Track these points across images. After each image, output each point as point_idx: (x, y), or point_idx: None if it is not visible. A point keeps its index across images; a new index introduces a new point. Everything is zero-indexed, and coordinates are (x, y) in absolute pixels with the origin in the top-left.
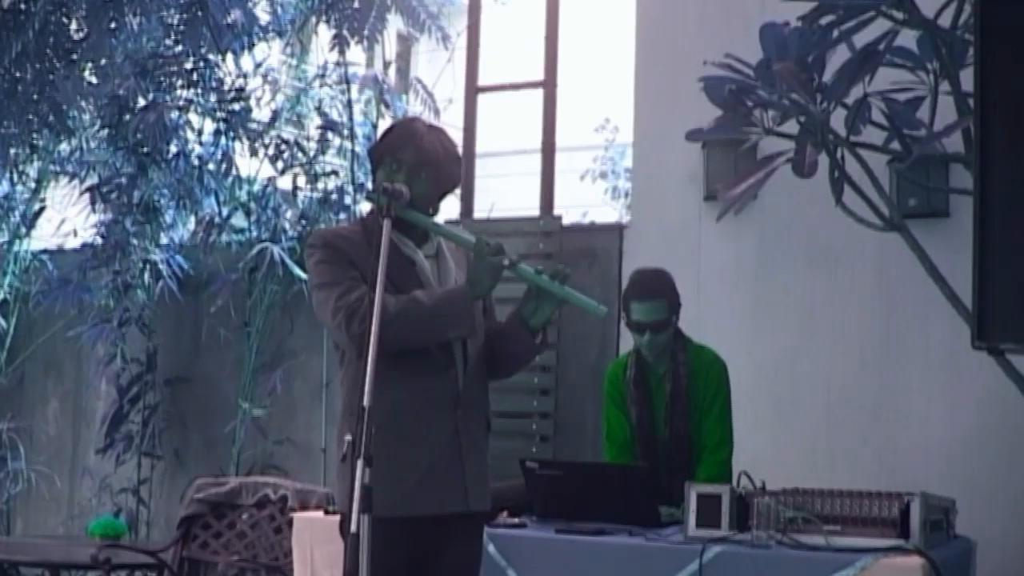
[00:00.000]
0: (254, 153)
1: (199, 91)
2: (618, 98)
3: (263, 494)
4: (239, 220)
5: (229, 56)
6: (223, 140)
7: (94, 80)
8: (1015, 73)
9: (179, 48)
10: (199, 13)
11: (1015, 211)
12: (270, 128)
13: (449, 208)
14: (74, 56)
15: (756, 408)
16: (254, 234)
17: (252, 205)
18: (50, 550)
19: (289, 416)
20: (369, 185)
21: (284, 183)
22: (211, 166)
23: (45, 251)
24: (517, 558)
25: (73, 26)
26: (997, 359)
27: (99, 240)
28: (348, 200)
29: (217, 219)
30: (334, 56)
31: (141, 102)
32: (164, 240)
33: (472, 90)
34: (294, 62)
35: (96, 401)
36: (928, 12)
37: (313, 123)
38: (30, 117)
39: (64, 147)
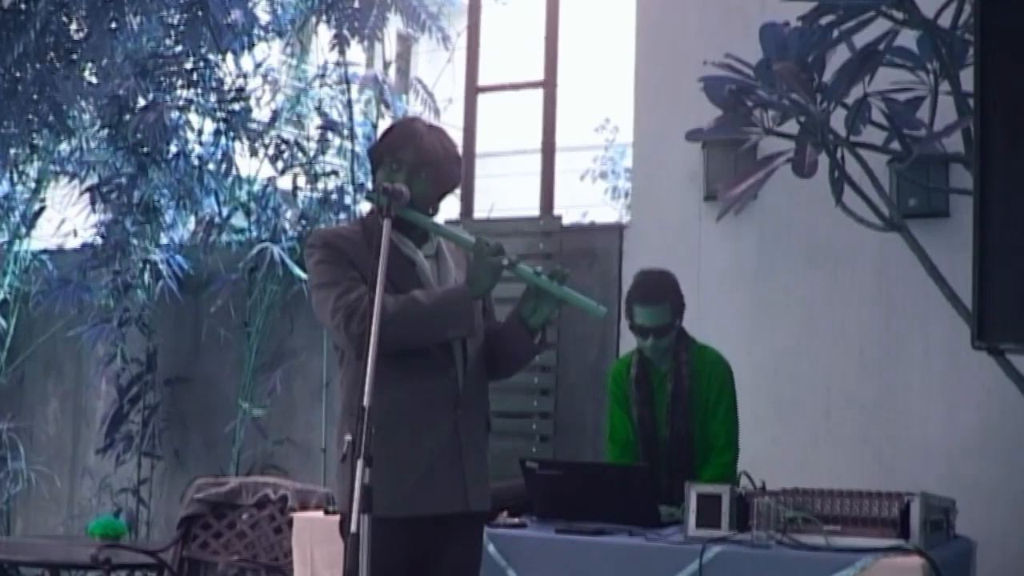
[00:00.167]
0: (254, 153)
1: (199, 91)
2: (618, 98)
3: (263, 494)
4: (239, 220)
5: (229, 56)
6: (223, 140)
7: (94, 80)
8: (1015, 73)
9: (179, 48)
10: (199, 13)
11: (1015, 211)
12: (270, 128)
13: (449, 208)
14: (74, 56)
15: (756, 408)
16: (254, 234)
17: (252, 205)
18: (50, 550)
19: (289, 416)
20: (369, 185)
21: (284, 183)
22: (211, 166)
23: (45, 251)
24: (517, 558)
25: (73, 26)
26: (997, 359)
27: (99, 240)
28: (348, 200)
29: (217, 219)
30: (334, 56)
31: (141, 102)
32: (164, 240)
33: (472, 90)
34: (294, 62)
35: (96, 401)
36: (928, 12)
37: (313, 123)
38: (30, 117)
39: (64, 147)
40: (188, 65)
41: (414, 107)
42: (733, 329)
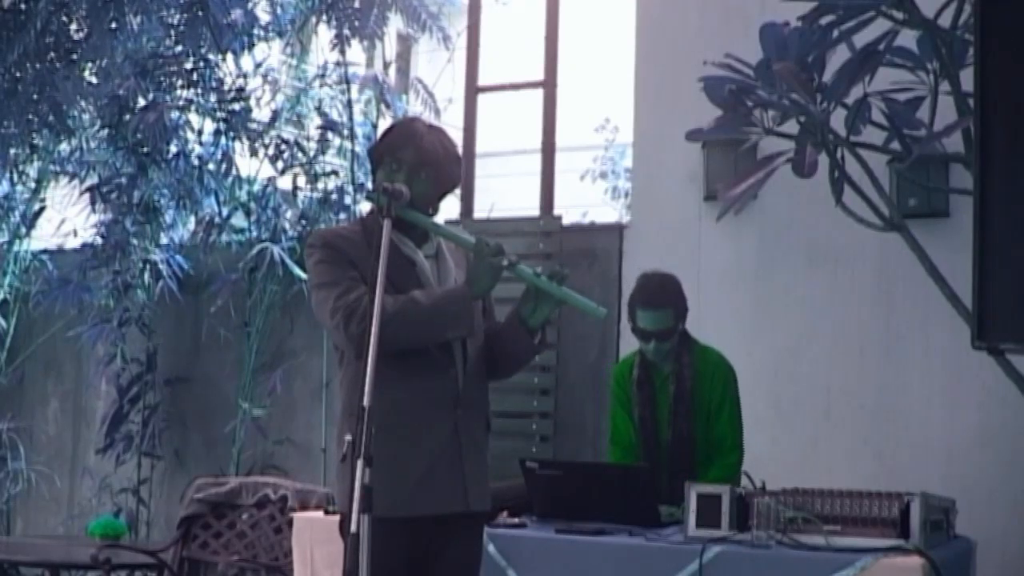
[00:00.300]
0: (254, 153)
1: (199, 91)
2: (618, 98)
3: (263, 494)
4: (239, 220)
5: (229, 56)
6: (223, 140)
7: (94, 80)
8: (1015, 73)
9: (179, 48)
10: (199, 13)
11: (1015, 211)
12: (270, 128)
13: (449, 208)
14: (74, 56)
15: (756, 408)
16: (254, 234)
17: (252, 205)
18: (50, 550)
19: (289, 416)
20: (369, 185)
21: (284, 183)
22: (211, 166)
23: (45, 251)
24: (517, 558)
25: (73, 26)
26: (997, 359)
27: (99, 240)
28: (348, 200)
29: (217, 219)
30: (334, 56)
31: (141, 102)
32: (164, 240)
33: (472, 90)
34: (294, 62)
35: (96, 401)
36: (928, 12)
37: (313, 123)
38: (30, 117)
39: (64, 147)
40: (188, 65)
41: (414, 107)
42: (733, 329)
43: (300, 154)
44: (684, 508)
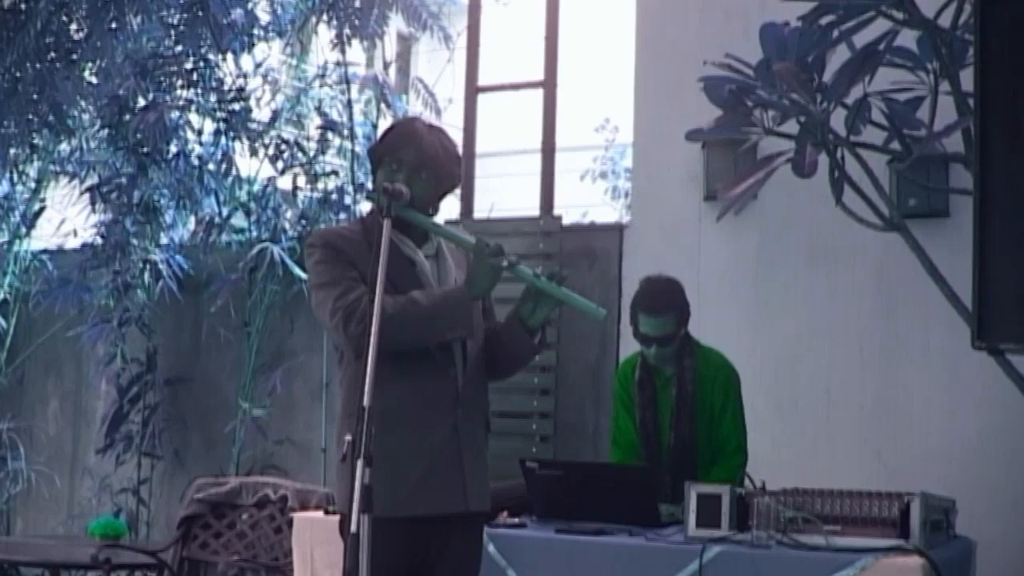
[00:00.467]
0: (254, 153)
1: (199, 91)
2: (618, 98)
3: (263, 494)
4: (239, 220)
5: (229, 56)
6: (223, 140)
7: (94, 80)
8: (1015, 73)
9: (179, 48)
10: (199, 13)
11: (1015, 211)
12: (270, 128)
13: (449, 208)
14: (74, 56)
15: (756, 408)
16: (254, 234)
17: (252, 205)
18: (50, 550)
19: (289, 416)
20: (369, 185)
21: (284, 183)
22: (211, 166)
23: (45, 251)
24: (517, 558)
25: (73, 26)
26: (997, 359)
27: (99, 240)
28: (348, 200)
29: (217, 219)
30: (334, 56)
31: (141, 102)
32: (164, 240)
33: (472, 90)
34: (294, 62)
35: (96, 401)
36: (928, 12)
37: (313, 123)
38: (30, 117)
39: (64, 147)
40: (188, 65)
41: (414, 107)
42: (733, 329)
43: (300, 154)
44: (684, 508)
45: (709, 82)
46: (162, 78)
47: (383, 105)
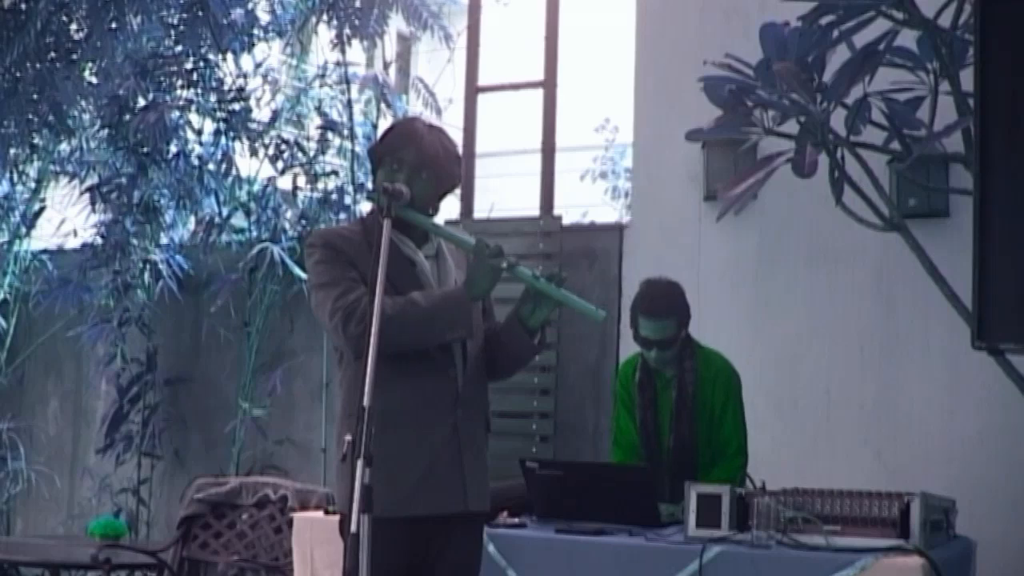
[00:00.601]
0: (254, 153)
1: (199, 91)
2: (618, 98)
3: (263, 494)
4: (239, 220)
5: (229, 56)
6: (223, 140)
7: (94, 80)
8: (1015, 73)
9: (179, 48)
10: (199, 13)
11: (1015, 211)
12: (270, 128)
13: (449, 208)
14: (74, 56)
15: (756, 408)
16: (254, 234)
17: (252, 205)
18: (50, 550)
19: (289, 416)
20: (369, 185)
21: (284, 183)
22: (211, 166)
23: (45, 251)
24: (517, 558)
25: (73, 26)
26: (997, 359)
27: (99, 240)
28: (348, 200)
29: (217, 219)
30: (334, 56)
31: (141, 102)
32: (164, 240)
33: (472, 90)
34: (294, 62)
35: (96, 401)
36: (928, 12)
37: (313, 123)
38: (30, 117)
39: (64, 147)
40: (188, 65)
41: (414, 107)
42: (733, 329)
43: (300, 154)
44: (684, 508)
45: (709, 82)
46: (162, 78)
47: (383, 105)
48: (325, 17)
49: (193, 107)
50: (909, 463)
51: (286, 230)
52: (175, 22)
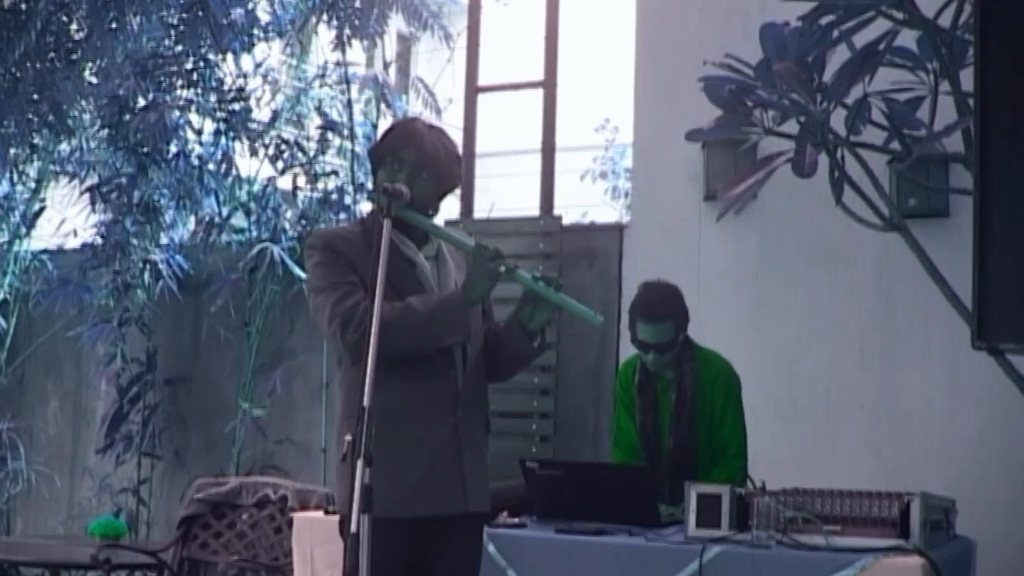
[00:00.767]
0: (254, 153)
1: (199, 91)
2: (618, 98)
3: (263, 494)
4: (239, 220)
5: (229, 56)
6: (223, 140)
7: (94, 80)
8: (1015, 73)
9: (179, 48)
10: (199, 13)
11: (1015, 211)
12: (270, 128)
13: (449, 208)
14: (74, 56)
15: (756, 408)
16: (254, 234)
17: (252, 205)
18: (50, 550)
19: (289, 416)
20: (369, 185)
21: (284, 183)
22: (211, 166)
23: (45, 251)
24: (517, 558)
25: (73, 26)
26: (997, 359)
27: (99, 240)
28: (348, 200)
29: (217, 219)
30: (334, 56)
31: (141, 102)
32: (164, 240)
33: (472, 90)
34: (294, 62)
35: (96, 401)
36: (928, 12)
37: (313, 123)
38: (30, 117)
39: (64, 147)
40: (188, 65)
41: (414, 107)
42: (733, 329)
43: (300, 154)
44: (684, 508)
45: (709, 82)
46: (162, 78)
47: (383, 105)
48: (325, 17)
49: (193, 107)
50: (909, 463)
51: (286, 230)
52: (175, 22)
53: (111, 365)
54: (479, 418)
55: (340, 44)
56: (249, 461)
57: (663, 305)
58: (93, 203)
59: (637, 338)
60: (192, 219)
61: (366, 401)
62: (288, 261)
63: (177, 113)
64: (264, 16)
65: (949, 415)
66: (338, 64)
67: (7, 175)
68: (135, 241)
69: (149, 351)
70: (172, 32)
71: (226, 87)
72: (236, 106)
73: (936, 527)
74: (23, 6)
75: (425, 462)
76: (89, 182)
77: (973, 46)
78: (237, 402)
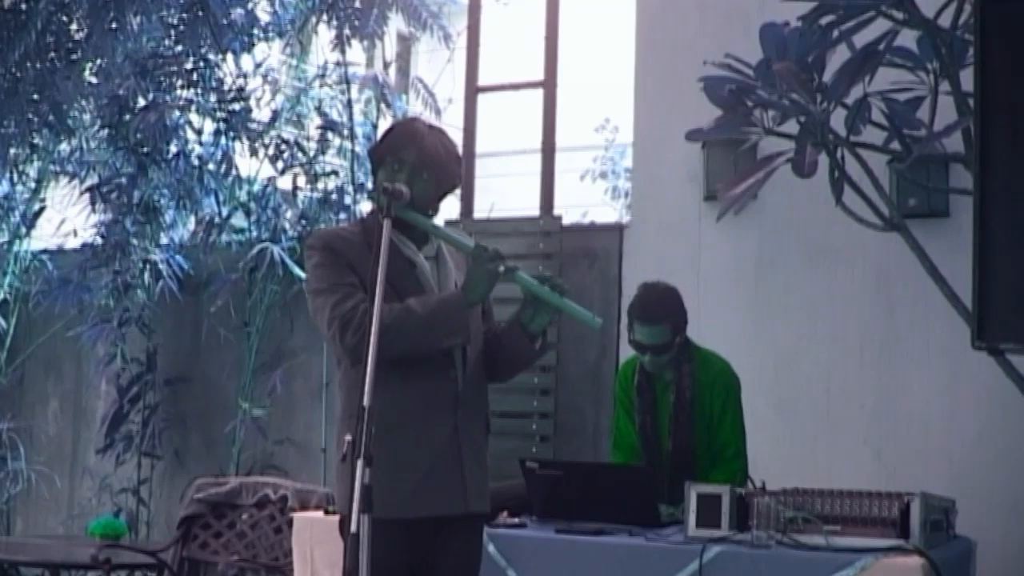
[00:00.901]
0: (254, 153)
1: (199, 91)
2: (618, 98)
3: (263, 494)
4: (239, 220)
5: (229, 56)
6: (223, 140)
7: (94, 80)
8: (1015, 73)
9: (179, 48)
10: (199, 13)
11: (1015, 211)
12: (270, 128)
13: (449, 208)
14: (74, 56)
15: (756, 408)
16: (254, 234)
17: (252, 205)
18: (50, 550)
19: (289, 416)
20: (369, 185)
21: (284, 183)
22: (211, 166)
23: (45, 251)
24: (517, 558)
25: (74, 26)
26: (997, 359)
27: (99, 240)
28: (348, 200)
29: (217, 219)
30: (334, 56)
31: (141, 102)
32: (164, 240)
33: (472, 90)
34: (294, 62)
35: (96, 401)
36: (928, 12)
37: (313, 123)
38: (30, 117)
39: (64, 147)
40: (188, 65)
41: (414, 107)
42: (733, 329)
43: (300, 154)
44: (684, 508)
45: (709, 82)
46: (162, 78)
47: (383, 105)
48: (325, 17)
49: (193, 107)
50: (909, 463)
51: (286, 230)
52: (175, 22)
53: (111, 365)
54: (479, 418)
55: (340, 44)
56: (249, 461)
57: (660, 307)
58: (93, 203)
59: (634, 339)
60: (192, 219)
61: (366, 401)
62: (288, 261)
63: (177, 113)
64: (264, 16)
65: (949, 415)
66: (338, 64)
67: (7, 175)
68: (135, 241)
69: (149, 351)
70: (172, 32)
71: (226, 87)
72: (236, 106)
73: (936, 527)
74: (23, 6)
75: (425, 462)
76: (89, 182)
77: (973, 46)
78: (237, 402)
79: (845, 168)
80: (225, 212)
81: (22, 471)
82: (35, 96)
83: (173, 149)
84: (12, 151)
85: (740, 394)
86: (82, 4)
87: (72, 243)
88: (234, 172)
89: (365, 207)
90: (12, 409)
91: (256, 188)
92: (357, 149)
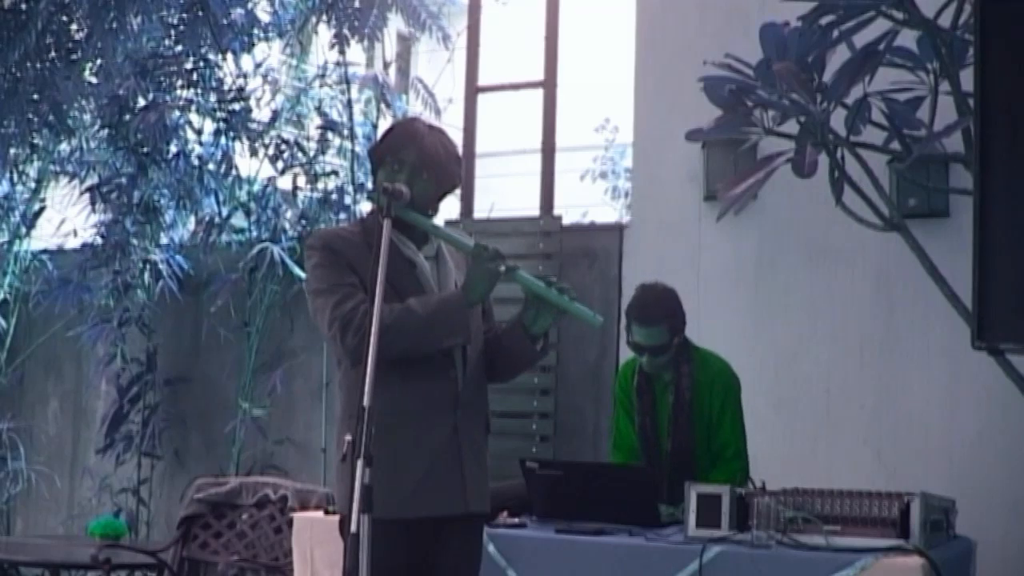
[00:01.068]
0: (254, 153)
1: (199, 91)
2: (618, 98)
3: (263, 494)
4: (239, 220)
5: (229, 56)
6: (223, 140)
7: (94, 80)
8: (1015, 73)
9: (179, 48)
10: (199, 13)
11: (1015, 211)
12: (270, 128)
13: (449, 208)
14: (74, 56)
15: (756, 408)
16: (254, 234)
17: (252, 205)
18: (50, 550)
19: (289, 416)
20: (369, 185)
21: (284, 183)
22: (211, 166)
23: (45, 251)
24: (517, 558)
25: (74, 26)
26: (997, 359)
27: (99, 240)
28: (348, 200)
29: (217, 219)
30: (334, 56)
31: (141, 102)
32: (164, 240)
33: (472, 90)
34: (294, 62)
35: (96, 401)
36: (928, 12)
37: (313, 123)
38: (30, 117)
39: (64, 147)
40: (188, 65)
41: (414, 107)
42: (733, 329)
43: (300, 154)
44: (684, 508)
45: (709, 82)
46: (162, 78)
47: (383, 105)
48: (325, 17)
49: (193, 107)
50: (909, 463)
51: (286, 230)
52: (175, 22)
53: (111, 365)
54: (479, 418)
55: (340, 44)
56: (249, 461)
57: (658, 308)
58: (93, 203)
59: (632, 340)
60: (192, 219)
61: (366, 401)
62: (288, 261)
63: (177, 113)
64: (264, 16)
65: (949, 415)
66: (338, 64)
67: (7, 175)
68: (135, 241)
69: (149, 351)
70: (172, 32)
71: (226, 87)
72: (236, 106)
73: (936, 527)
74: (23, 6)
75: (425, 462)
76: (89, 182)
77: (973, 46)
78: (237, 402)
79: (845, 168)
80: (225, 212)
81: (22, 471)
82: (35, 96)
83: (173, 149)
84: (12, 151)
85: (740, 394)
86: (82, 4)
87: (72, 243)
88: (234, 172)
89: (365, 207)
90: (12, 409)
91: (256, 188)
92: (357, 149)
